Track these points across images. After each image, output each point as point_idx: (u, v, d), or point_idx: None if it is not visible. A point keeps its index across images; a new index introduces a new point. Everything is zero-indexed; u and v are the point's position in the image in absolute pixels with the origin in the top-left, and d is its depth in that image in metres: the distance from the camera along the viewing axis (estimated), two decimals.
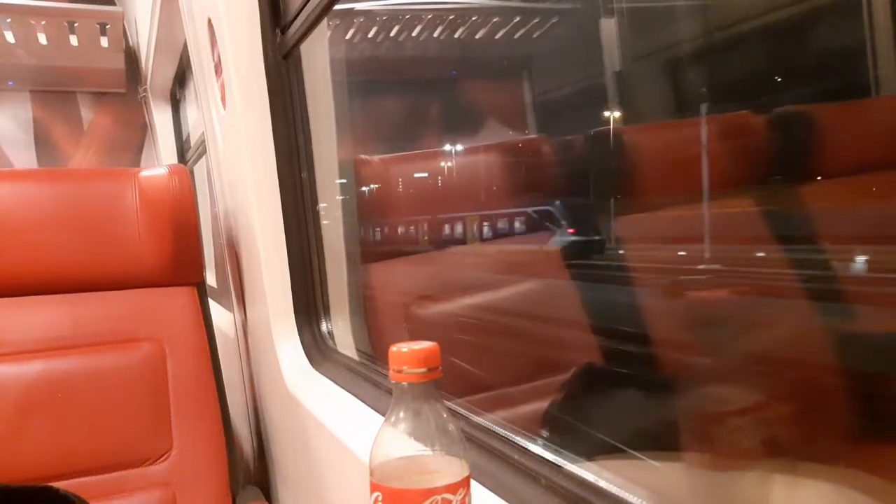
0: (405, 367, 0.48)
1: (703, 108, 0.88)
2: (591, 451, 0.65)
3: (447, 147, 1.65)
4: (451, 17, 1.67)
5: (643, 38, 1.10)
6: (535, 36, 1.48)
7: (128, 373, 1.17)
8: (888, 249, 0.60)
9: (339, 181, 1.32)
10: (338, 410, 1.02)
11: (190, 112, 2.92)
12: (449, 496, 0.47)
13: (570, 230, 1.23)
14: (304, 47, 1.22)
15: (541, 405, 0.96)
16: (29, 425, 1.10)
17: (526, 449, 0.67)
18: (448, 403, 0.51)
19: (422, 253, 1.39)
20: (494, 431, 0.73)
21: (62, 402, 1.12)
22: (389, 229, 1.38)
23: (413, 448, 0.48)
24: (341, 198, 1.32)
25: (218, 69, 1.33)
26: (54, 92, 3.09)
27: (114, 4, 2.82)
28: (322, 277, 1.29)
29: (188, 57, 1.65)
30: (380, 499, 0.47)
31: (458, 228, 1.36)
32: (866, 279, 0.63)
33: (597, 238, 1.17)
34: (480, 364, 1.14)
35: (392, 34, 1.78)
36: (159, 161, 3.17)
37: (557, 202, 1.27)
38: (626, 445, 0.70)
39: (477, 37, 1.64)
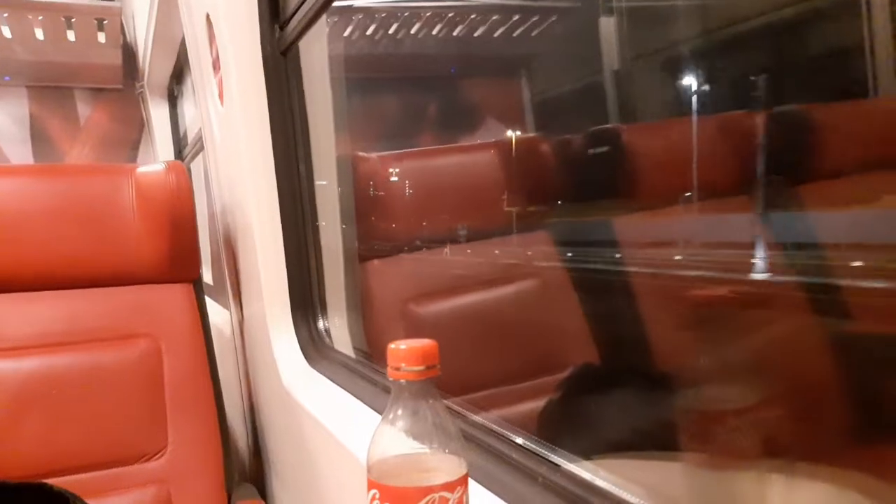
0: (403, 365, 0.48)
1: (704, 106, 0.87)
2: (588, 449, 0.65)
3: (446, 144, 1.65)
4: (449, 15, 1.67)
5: (642, 37, 1.10)
6: (533, 34, 1.47)
7: (124, 369, 1.17)
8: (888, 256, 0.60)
9: (336, 178, 1.32)
10: (334, 408, 1.02)
11: (187, 108, 2.92)
12: (446, 494, 0.47)
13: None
14: (303, 44, 1.22)
15: (536, 403, 0.96)
16: (24, 421, 1.09)
17: (524, 447, 0.67)
18: (446, 402, 0.50)
19: (420, 250, 1.39)
20: (492, 430, 0.72)
21: (58, 398, 1.12)
22: (387, 227, 1.38)
23: (411, 446, 0.48)
24: (339, 195, 1.32)
25: (216, 65, 1.33)
26: (51, 87, 3.08)
27: (111, 0, 2.81)
28: (319, 275, 1.29)
29: (186, 53, 1.65)
30: (377, 496, 0.47)
31: (457, 226, 1.36)
32: (865, 280, 0.63)
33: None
34: (477, 362, 1.14)
35: (390, 31, 1.78)
36: (156, 157, 3.16)
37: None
38: (624, 444, 0.70)
39: (475, 35, 1.64)
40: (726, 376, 0.64)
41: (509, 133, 1.48)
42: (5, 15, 2.44)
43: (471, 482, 0.51)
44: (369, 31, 1.76)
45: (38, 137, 3.08)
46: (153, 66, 2.75)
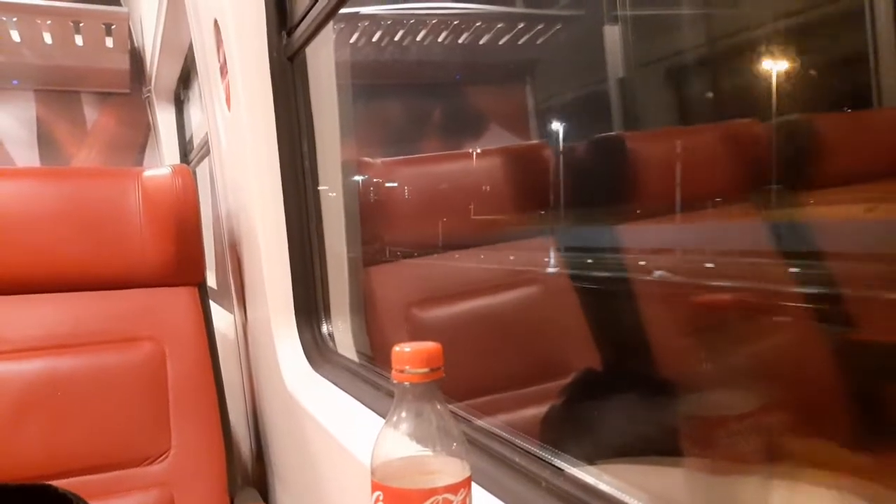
0: (407, 367, 0.48)
1: (708, 115, 0.88)
2: (591, 454, 0.65)
3: (451, 151, 1.66)
4: (455, 23, 1.68)
5: (646, 46, 1.11)
6: (538, 42, 1.48)
7: (128, 372, 1.17)
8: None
9: (341, 183, 1.33)
10: (337, 412, 1.02)
11: (193, 113, 2.93)
12: (450, 496, 0.47)
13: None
14: (310, 50, 1.23)
15: (539, 409, 0.96)
16: (28, 423, 1.09)
17: (527, 452, 0.67)
18: (450, 406, 0.51)
19: (424, 256, 1.39)
20: (495, 434, 0.73)
21: (62, 400, 1.12)
22: (392, 232, 1.38)
23: (414, 448, 0.48)
24: (344, 200, 1.33)
25: (223, 70, 1.34)
26: (58, 91, 3.10)
27: (119, 5, 2.83)
28: (323, 279, 1.29)
29: (193, 58, 1.66)
30: (381, 498, 0.48)
31: (461, 231, 1.36)
32: (866, 286, 0.63)
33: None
34: (481, 367, 1.14)
35: (396, 38, 1.79)
36: (162, 161, 3.17)
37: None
38: (627, 449, 0.70)
39: (481, 42, 1.65)
40: (729, 382, 0.64)
41: (515, 139, 1.48)
42: (14, 19, 2.46)
43: (474, 485, 0.51)
44: (375, 38, 1.77)
45: (45, 141, 3.09)
46: (160, 71, 2.77)
